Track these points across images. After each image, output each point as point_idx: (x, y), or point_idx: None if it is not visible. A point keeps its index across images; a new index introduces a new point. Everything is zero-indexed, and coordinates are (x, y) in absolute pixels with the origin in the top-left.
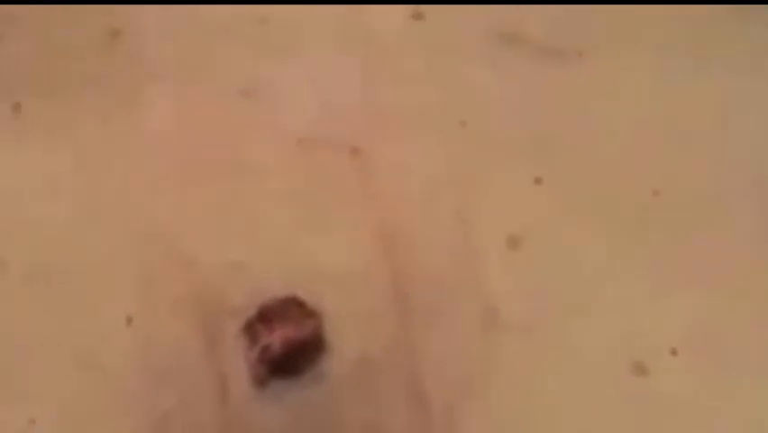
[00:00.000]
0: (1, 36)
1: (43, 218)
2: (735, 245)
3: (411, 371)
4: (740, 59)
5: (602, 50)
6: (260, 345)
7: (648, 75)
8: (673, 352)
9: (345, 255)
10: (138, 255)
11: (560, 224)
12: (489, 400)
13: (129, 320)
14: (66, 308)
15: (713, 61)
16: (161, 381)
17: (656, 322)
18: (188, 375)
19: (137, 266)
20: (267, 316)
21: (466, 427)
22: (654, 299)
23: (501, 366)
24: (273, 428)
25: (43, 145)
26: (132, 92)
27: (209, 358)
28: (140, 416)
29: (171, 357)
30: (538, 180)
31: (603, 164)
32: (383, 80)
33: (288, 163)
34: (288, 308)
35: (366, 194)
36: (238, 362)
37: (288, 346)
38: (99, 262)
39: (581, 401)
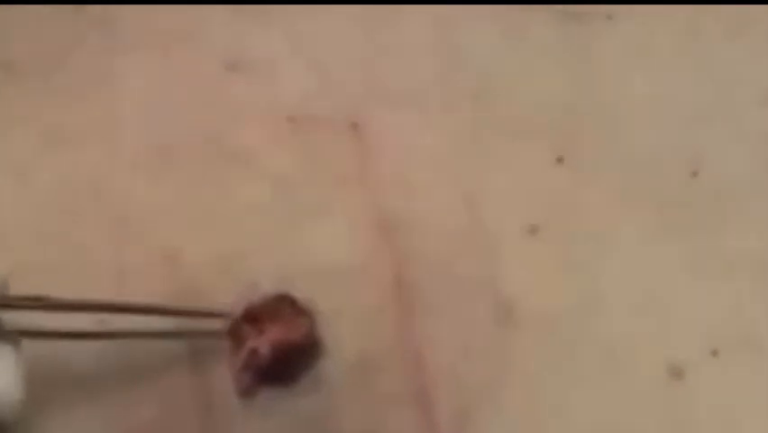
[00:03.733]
0: None
1: (4, 208)
2: None
3: (416, 374)
4: None
5: (635, 13)
6: (246, 348)
7: (686, 40)
8: (714, 353)
9: (342, 246)
10: (111, 248)
11: (583, 208)
12: (505, 405)
13: (100, 321)
14: None
15: (758, 23)
16: (136, 389)
17: (694, 319)
18: (167, 384)
19: (110, 260)
20: (254, 315)
21: None
22: (691, 292)
23: (518, 367)
24: None
25: (5, 128)
26: (102, 66)
27: (191, 365)
28: (110, 428)
29: (147, 363)
30: (560, 160)
31: (633, 141)
32: (385, 48)
33: (278, 144)
34: (279, 307)
35: (366, 176)
36: (224, 369)
37: (278, 350)
38: (67, 255)
39: (609, 408)
